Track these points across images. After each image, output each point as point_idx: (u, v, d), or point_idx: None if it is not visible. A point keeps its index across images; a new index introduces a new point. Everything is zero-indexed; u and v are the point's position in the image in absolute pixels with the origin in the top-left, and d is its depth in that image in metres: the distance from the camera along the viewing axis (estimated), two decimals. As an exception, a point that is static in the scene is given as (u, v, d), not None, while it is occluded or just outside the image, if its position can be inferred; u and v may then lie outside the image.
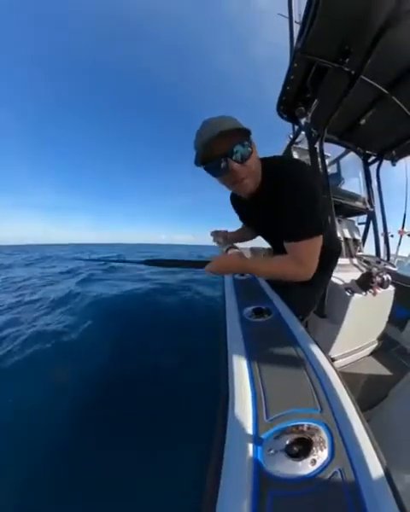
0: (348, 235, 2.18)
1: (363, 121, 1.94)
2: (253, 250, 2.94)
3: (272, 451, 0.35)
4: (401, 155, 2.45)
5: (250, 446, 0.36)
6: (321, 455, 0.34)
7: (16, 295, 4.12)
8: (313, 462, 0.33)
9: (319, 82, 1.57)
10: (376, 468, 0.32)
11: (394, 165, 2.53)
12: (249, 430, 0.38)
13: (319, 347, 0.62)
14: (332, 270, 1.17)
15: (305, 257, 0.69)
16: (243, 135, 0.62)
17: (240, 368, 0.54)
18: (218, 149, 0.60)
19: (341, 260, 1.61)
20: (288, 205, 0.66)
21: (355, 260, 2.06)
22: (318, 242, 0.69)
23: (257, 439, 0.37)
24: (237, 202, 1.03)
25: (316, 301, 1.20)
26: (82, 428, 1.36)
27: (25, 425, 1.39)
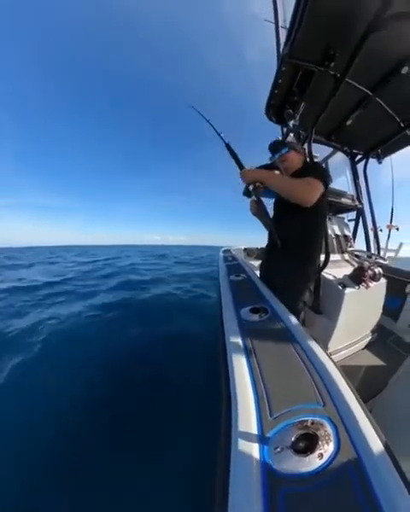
0: (338, 231, 2.22)
1: (349, 122, 2.00)
2: (246, 250, 3.04)
3: (278, 449, 0.35)
4: (387, 153, 2.52)
5: (257, 446, 0.36)
6: (327, 448, 0.35)
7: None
8: (320, 456, 0.34)
9: (305, 85, 1.62)
10: (383, 458, 0.32)
11: (380, 162, 2.60)
12: (254, 430, 0.38)
13: (317, 342, 0.62)
14: (315, 263, 1.29)
15: (312, 184, 1.10)
16: (284, 146, 1.30)
17: (240, 367, 0.54)
18: (277, 150, 1.31)
19: (333, 256, 1.64)
20: (309, 167, 1.31)
21: (347, 256, 2.09)
22: (319, 186, 1.10)
23: (263, 439, 0.37)
24: None
25: (306, 290, 1.23)
26: (80, 432, 1.34)
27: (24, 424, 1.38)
